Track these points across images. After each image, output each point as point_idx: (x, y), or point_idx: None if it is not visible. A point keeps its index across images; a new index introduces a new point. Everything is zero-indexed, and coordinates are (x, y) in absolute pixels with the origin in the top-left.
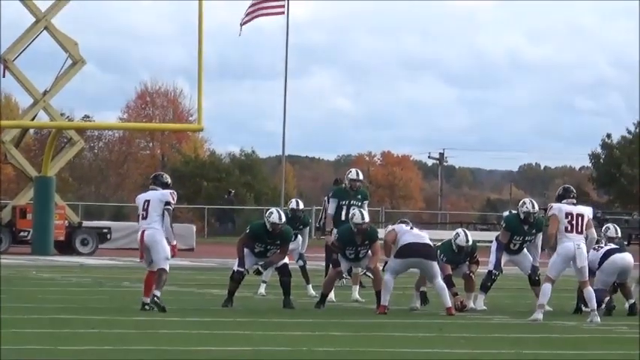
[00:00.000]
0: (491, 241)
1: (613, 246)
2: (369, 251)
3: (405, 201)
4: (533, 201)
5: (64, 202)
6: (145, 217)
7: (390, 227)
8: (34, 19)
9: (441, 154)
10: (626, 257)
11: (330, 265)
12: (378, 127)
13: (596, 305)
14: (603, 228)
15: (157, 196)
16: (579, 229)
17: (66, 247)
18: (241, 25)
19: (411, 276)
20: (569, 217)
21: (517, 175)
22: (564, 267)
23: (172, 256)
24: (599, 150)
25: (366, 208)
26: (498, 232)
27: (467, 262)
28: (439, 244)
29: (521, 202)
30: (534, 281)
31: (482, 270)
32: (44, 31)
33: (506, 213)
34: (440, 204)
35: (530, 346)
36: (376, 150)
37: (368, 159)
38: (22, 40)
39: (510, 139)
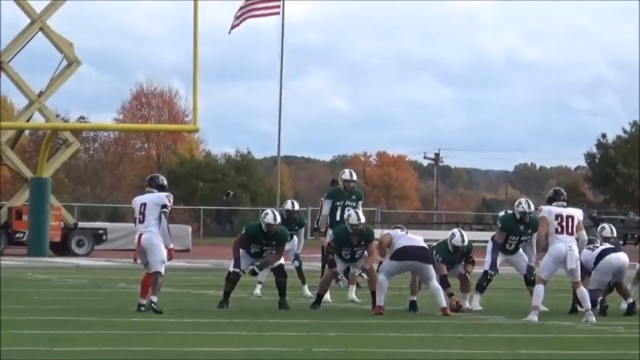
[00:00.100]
0: (486, 242)
1: (608, 246)
2: (365, 252)
3: (401, 201)
4: (529, 201)
5: (59, 203)
6: (142, 221)
7: (385, 232)
8: (29, 20)
9: (437, 155)
10: (621, 257)
11: (326, 266)
12: (373, 127)
13: (590, 305)
14: (599, 228)
15: (154, 199)
16: (570, 231)
17: (62, 249)
18: (231, 28)
19: (406, 277)
20: (559, 218)
21: (513, 175)
22: (556, 268)
23: (169, 259)
24: (594, 150)
25: (361, 209)
26: (494, 232)
27: (463, 263)
28: (435, 244)
29: (517, 202)
30: (530, 281)
31: (477, 270)
32: (39, 32)
33: (501, 213)
34: (435, 204)
35: (525, 347)
36: (372, 150)
37: (363, 159)
38: (17, 41)
39: (506, 139)
